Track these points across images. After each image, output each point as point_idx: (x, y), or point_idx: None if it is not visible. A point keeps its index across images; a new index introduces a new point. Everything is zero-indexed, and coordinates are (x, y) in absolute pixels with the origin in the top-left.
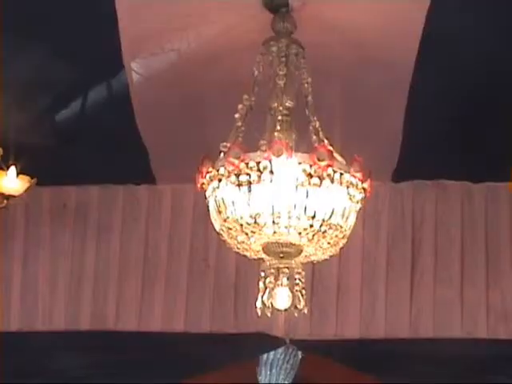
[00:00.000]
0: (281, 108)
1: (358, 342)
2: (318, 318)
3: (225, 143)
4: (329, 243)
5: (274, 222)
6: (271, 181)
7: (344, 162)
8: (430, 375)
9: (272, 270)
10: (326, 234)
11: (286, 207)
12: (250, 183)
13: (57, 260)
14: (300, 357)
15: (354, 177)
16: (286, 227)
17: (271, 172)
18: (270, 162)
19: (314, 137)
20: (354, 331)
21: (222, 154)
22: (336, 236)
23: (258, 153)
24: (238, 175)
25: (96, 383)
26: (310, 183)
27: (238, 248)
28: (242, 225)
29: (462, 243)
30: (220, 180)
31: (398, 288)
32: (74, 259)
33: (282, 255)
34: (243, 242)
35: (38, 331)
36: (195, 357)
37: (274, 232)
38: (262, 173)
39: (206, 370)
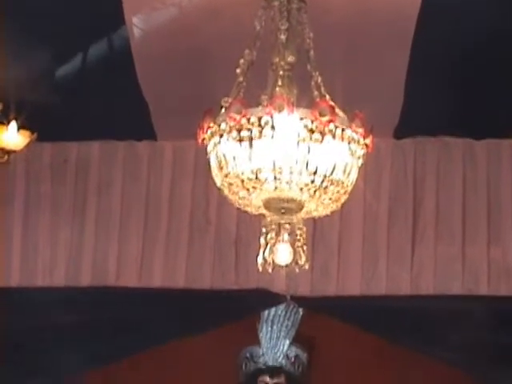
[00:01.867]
0: (282, 63)
1: (358, 298)
2: (319, 274)
3: (226, 98)
4: (330, 199)
5: (275, 177)
6: (272, 136)
7: (346, 118)
8: (430, 332)
9: (273, 226)
10: (327, 190)
11: (288, 163)
12: (251, 139)
13: (57, 216)
14: (301, 313)
15: (356, 132)
16: (287, 183)
17: (272, 127)
18: (272, 117)
19: (316, 92)
20: (355, 288)
21: (223, 110)
22: (337, 192)
23: (260, 108)
24: (239, 131)
25: (96, 340)
26: (311, 139)
27: (239, 204)
28: (243, 180)
29: (463, 200)
30: (221, 135)
31: (399, 245)
32: (74, 215)
33: (283, 211)
34: (244, 198)
35: (38, 287)
36: (196, 313)
37: (276, 187)
38: (263, 128)
39: (207, 326)
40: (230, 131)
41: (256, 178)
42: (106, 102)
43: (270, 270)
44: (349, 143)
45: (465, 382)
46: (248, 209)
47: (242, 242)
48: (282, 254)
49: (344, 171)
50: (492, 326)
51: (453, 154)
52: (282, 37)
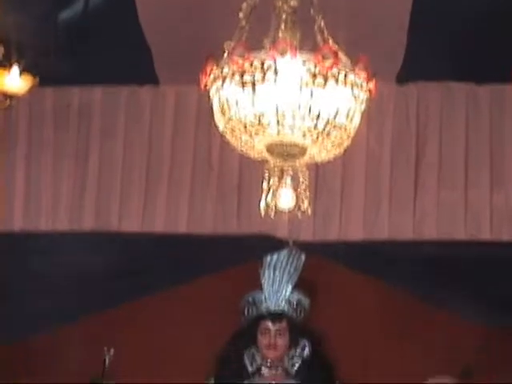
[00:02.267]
0: (285, 7)
1: (361, 243)
2: (322, 219)
3: (229, 42)
4: (333, 144)
5: (278, 122)
6: (275, 80)
7: (349, 62)
8: (432, 278)
9: (276, 171)
10: (330, 135)
11: (290, 107)
12: (254, 83)
13: (60, 161)
14: (303, 259)
15: (359, 77)
16: (290, 127)
17: (275, 72)
18: (275, 61)
19: (319, 36)
20: (358, 233)
21: (226, 54)
22: (340, 137)
23: (263, 52)
24: (242, 75)
25: (97, 284)
26: (314, 83)
27: (241, 149)
28: (245, 125)
29: (466, 145)
30: (224, 80)
31: (401, 190)
32: (77, 160)
33: (285, 156)
34: (247, 143)
35: (41, 231)
36: (198, 258)
37: (278, 132)
38: (266, 72)
39: (210, 271)
40: (232, 75)
41: (259, 122)
42: (108, 46)
43: (272, 215)
44: (352, 88)
45: (464, 326)
46: (250, 154)
47: (245, 187)
48: (285, 198)
49: (347, 116)
50: (494, 271)
51: (456, 99)
52: None
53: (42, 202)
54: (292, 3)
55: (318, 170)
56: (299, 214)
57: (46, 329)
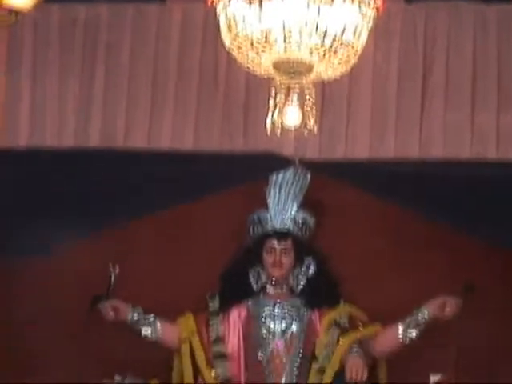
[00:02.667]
0: None
1: (367, 162)
2: (328, 138)
3: None
4: (340, 62)
5: (284, 39)
6: None
7: None
8: (437, 197)
9: (282, 89)
10: (337, 52)
11: (297, 24)
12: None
13: (66, 78)
14: (309, 178)
15: None
16: (296, 44)
17: None
18: None
19: None
20: (364, 152)
21: None
22: (347, 54)
23: None
24: None
25: (102, 201)
26: (321, 0)
27: (248, 66)
28: (252, 42)
29: (473, 66)
30: None
31: (408, 109)
32: (83, 77)
33: (292, 73)
34: (254, 60)
35: (46, 148)
36: (203, 175)
37: (285, 49)
38: None
39: (215, 189)
40: None
41: (265, 39)
42: None
43: (278, 133)
44: (359, 5)
45: (469, 244)
46: (257, 71)
47: (251, 105)
48: (291, 116)
49: (354, 33)
50: (500, 191)
51: (464, 19)
52: None
53: (47, 118)
54: None
55: (324, 88)
56: (305, 132)
57: (52, 248)
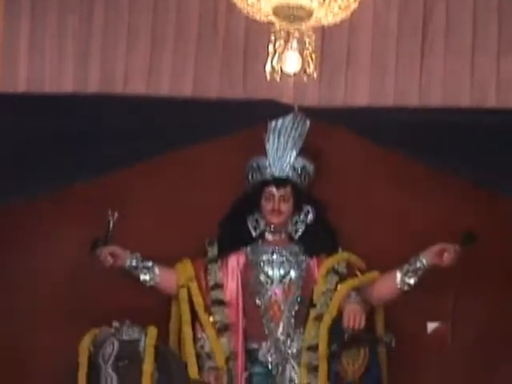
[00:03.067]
0: None
1: (366, 109)
2: (328, 84)
3: None
4: (340, 7)
5: None
6: None
7: None
8: (437, 144)
9: (282, 34)
10: None
11: None
12: None
13: (64, 21)
14: (308, 125)
15: None
16: None
17: None
18: None
19: None
20: (363, 99)
21: None
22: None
23: None
24: None
25: (101, 147)
26: None
27: (247, 11)
28: None
29: (474, 10)
30: None
31: (408, 56)
32: (81, 21)
33: (292, 18)
34: (253, 5)
35: (45, 93)
36: (202, 122)
37: None
38: None
39: (214, 135)
40: None
41: None
42: None
43: (278, 79)
44: None
45: (469, 191)
46: (257, 16)
47: (251, 51)
48: (291, 61)
49: None
50: (499, 138)
51: None
52: None
53: (46, 63)
54: None
55: (324, 34)
56: (305, 78)
57: (49, 188)
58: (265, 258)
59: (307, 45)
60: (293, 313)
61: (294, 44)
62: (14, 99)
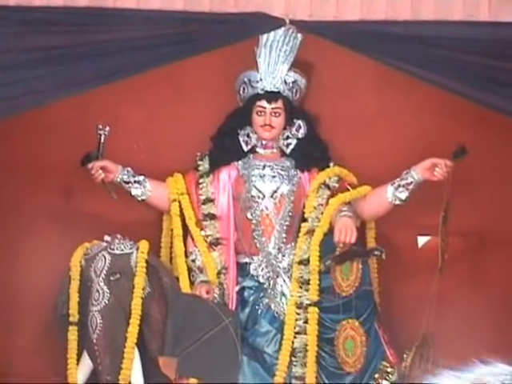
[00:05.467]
0: None
1: (358, 23)
2: None
3: None
4: None
5: None
6: None
7: None
8: (429, 58)
9: None
10: None
11: None
12: None
13: None
14: (300, 39)
15: None
16: None
17: None
18: None
19: None
20: (355, 13)
21: None
22: None
23: None
24: None
25: (94, 60)
26: None
27: None
28: None
29: None
30: None
31: None
32: None
33: None
34: None
35: (35, 6)
36: (193, 35)
37: None
38: None
39: (205, 48)
40: None
41: None
42: None
43: None
44: None
45: (462, 107)
46: None
47: None
48: None
49: None
50: (492, 52)
51: None
52: None
53: None
54: None
55: None
56: None
57: (40, 102)
58: (256, 172)
59: None
60: (284, 227)
61: None
62: (4, 11)
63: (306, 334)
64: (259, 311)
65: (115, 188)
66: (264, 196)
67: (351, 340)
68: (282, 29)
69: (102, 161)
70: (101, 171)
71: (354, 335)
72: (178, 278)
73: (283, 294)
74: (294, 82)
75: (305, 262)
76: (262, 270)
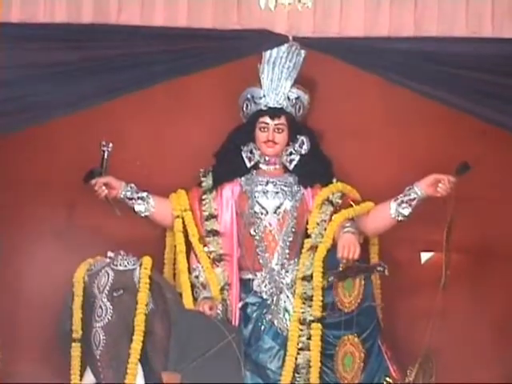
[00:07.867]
0: None
1: (361, 39)
2: (322, 15)
3: None
4: None
5: None
6: None
7: None
8: (432, 74)
9: None
10: None
11: None
12: None
13: None
14: (303, 55)
15: None
16: None
17: None
18: None
19: None
20: (358, 29)
21: None
22: None
23: None
24: None
25: (94, 77)
26: None
27: None
28: None
29: None
30: None
31: None
32: None
33: None
34: None
35: (38, 23)
36: (197, 52)
37: None
38: None
39: (208, 65)
40: None
41: None
42: None
43: (272, 8)
44: None
45: (466, 123)
46: None
47: None
48: None
49: None
50: (495, 68)
51: None
52: None
53: None
54: None
55: None
56: (299, 7)
57: (44, 118)
58: (259, 188)
59: None
60: (287, 243)
61: None
62: (8, 28)
63: (309, 350)
64: (262, 327)
65: (119, 204)
66: (267, 212)
67: (350, 356)
68: (286, 45)
69: (106, 177)
70: (104, 187)
71: (353, 351)
72: (181, 295)
73: (286, 310)
74: (297, 98)
75: (308, 278)
76: (265, 286)
